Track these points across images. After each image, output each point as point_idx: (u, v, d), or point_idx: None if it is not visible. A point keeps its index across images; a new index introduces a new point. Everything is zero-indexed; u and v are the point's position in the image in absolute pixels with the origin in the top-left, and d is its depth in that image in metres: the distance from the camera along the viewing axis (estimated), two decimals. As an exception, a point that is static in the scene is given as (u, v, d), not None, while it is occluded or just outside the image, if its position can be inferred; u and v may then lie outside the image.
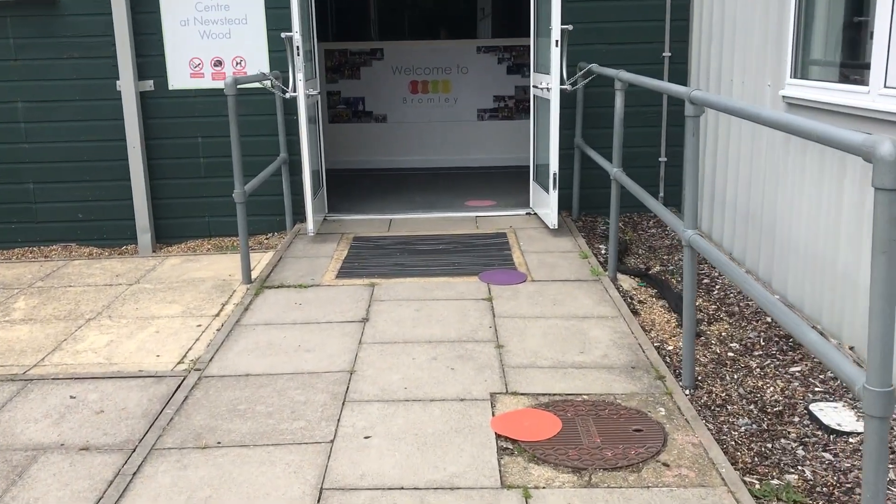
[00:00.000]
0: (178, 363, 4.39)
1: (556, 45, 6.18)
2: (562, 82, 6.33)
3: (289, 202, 7.11)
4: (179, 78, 7.00)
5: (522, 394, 3.90)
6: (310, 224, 6.45)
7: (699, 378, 4.13)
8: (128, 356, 4.50)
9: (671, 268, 5.89)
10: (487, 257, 6.01)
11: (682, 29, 7.00)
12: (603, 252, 6.28)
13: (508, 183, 8.52)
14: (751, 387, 4.07)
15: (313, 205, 6.53)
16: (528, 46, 9.50)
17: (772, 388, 4.04)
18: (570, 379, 4.05)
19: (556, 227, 6.49)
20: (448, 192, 8.18)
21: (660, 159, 7.24)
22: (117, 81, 6.82)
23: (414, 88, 9.62)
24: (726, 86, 6.13)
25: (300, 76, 6.20)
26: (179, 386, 4.09)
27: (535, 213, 7.16)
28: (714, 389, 4.05)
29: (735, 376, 4.19)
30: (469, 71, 9.58)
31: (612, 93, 7.14)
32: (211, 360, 4.37)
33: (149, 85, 6.96)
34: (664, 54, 7.03)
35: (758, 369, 4.25)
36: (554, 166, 6.39)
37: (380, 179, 8.96)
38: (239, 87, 6.71)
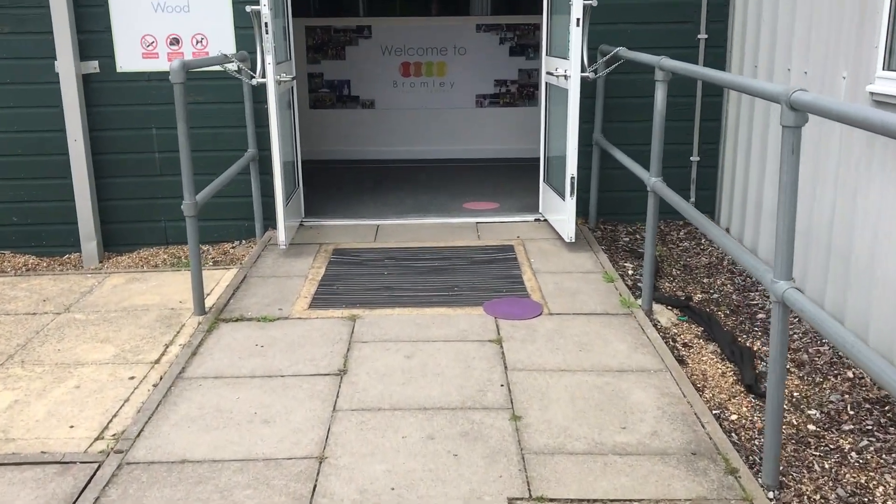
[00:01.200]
0: (97, 439, 3.31)
1: (578, 25, 5.08)
2: (583, 69, 5.23)
3: (259, 206, 6.01)
4: (129, 59, 5.86)
5: (551, 500, 2.85)
6: (281, 236, 5.36)
7: (780, 469, 3.09)
8: (32, 427, 3.42)
9: (715, 295, 4.84)
10: (492, 279, 4.94)
11: (721, 6, 5.90)
12: (630, 273, 5.22)
13: (512, 180, 7.44)
14: (851, 483, 3.03)
15: (286, 211, 5.43)
16: (533, 25, 8.38)
17: (881, 488, 3.00)
18: (614, 473, 3.00)
19: (573, 241, 5.42)
20: (444, 190, 7.10)
21: (691, 159, 6.16)
22: (55, 62, 5.69)
23: (405, 71, 8.50)
24: (780, 76, 5.05)
25: (269, 59, 5.08)
26: (91, 479, 3.01)
27: (546, 220, 6.09)
28: (804, 489, 3.01)
29: (826, 465, 3.15)
30: (467, 52, 8.45)
31: (637, 81, 6.08)
32: (139, 434, 3.30)
33: (93, 66, 5.82)
34: (699, 36, 5.94)
35: (854, 453, 3.22)
36: (572, 168, 5.31)
37: (366, 173, 7.86)
38: (195, 70, 5.60)
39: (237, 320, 4.40)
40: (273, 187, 5.42)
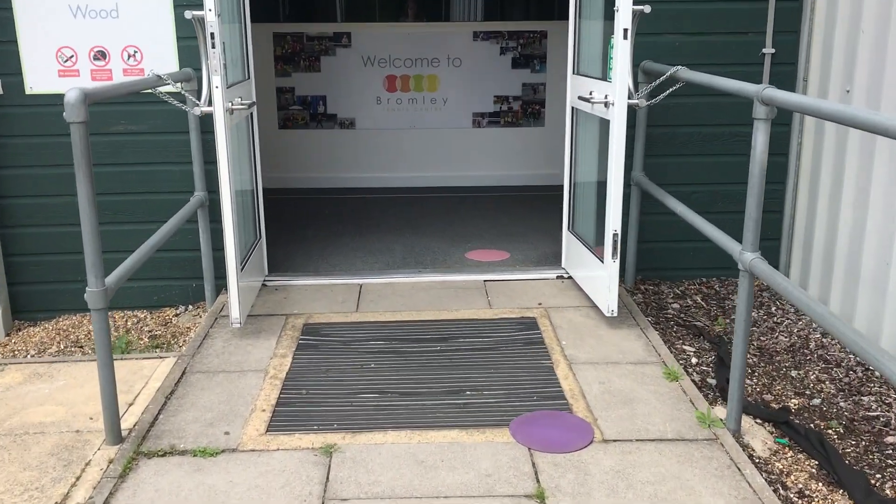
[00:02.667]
0: None
1: (626, 38, 3.81)
2: (630, 95, 3.96)
3: (209, 262, 4.68)
4: (42, 77, 4.52)
5: None
6: (234, 311, 4.04)
7: None
8: None
9: (815, 400, 3.58)
10: (516, 374, 3.66)
11: (792, 13, 4.65)
12: (694, 361, 3.95)
13: (521, 217, 6.16)
14: None
15: (242, 275, 4.13)
16: (540, 33, 7.10)
17: None
18: None
19: (615, 314, 4.15)
20: (440, 232, 5.80)
21: (751, 202, 4.91)
22: (-57, 81, 4.35)
23: (391, 85, 7.19)
24: (890, 103, 3.82)
25: (216, 81, 3.76)
26: None
27: (571, 278, 4.82)
28: None
29: None
30: (463, 63, 7.17)
31: (686, 106, 4.77)
32: None
33: (-7, 87, 4.49)
34: (764, 51, 4.68)
35: None
36: (615, 223, 4.04)
37: (346, 206, 6.54)
38: (113, 97, 4.26)
39: (165, 454, 3.07)
40: (224, 246, 4.10)
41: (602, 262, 4.17)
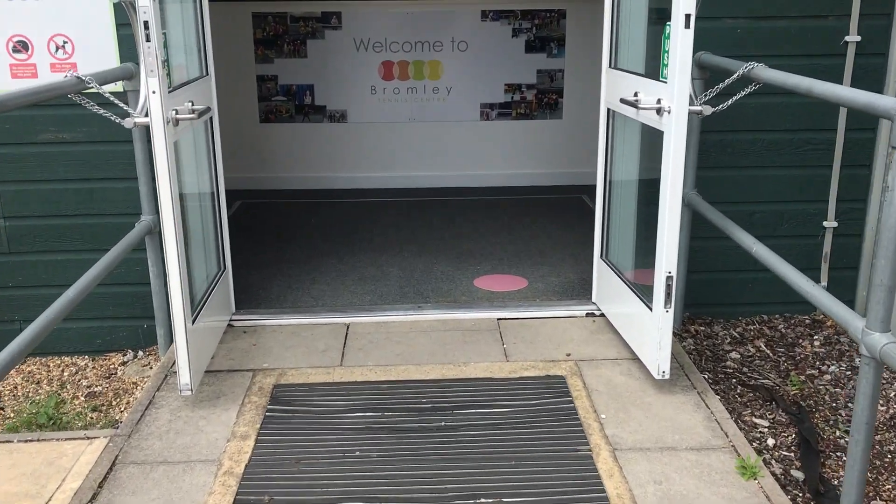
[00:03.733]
0: None
1: (687, 26, 2.89)
2: (692, 101, 3.05)
3: (161, 300, 3.79)
4: (-51, 72, 3.62)
5: None
6: (184, 377, 3.16)
7: None
8: None
9: (942, 511, 2.72)
10: (545, 473, 2.79)
11: (883, -9, 3.73)
12: (770, 442, 3.09)
13: (538, 227, 5.26)
14: None
15: (192, 333, 3.25)
16: (558, 13, 6.17)
17: None
18: None
19: (667, 376, 3.27)
20: (444, 249, 4.91)
21: (825, 224, 4.01)
22: None
23: (387, 72, 6.27)
24: None
25: (153, 84, 2.86)
26: None
27: (604, 316, 3.94)
28: None
29: None
30: (469, 47, 6.24)
31: (746, 107, 3.85)
32: None
33: None
34: (847, 39, 3.77)
35: None
36: (669, 262, 3.14)
37: (333, 214, 5.65)
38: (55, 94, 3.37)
39: None
40: (169, 293, 3.22)
41: (650, 308, 3.28)
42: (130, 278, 3.86)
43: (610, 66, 3.71)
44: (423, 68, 6.26)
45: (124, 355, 3.94)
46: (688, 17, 2.88)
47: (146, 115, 2.94)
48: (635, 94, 3.30)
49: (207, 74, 3.64)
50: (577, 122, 6.36)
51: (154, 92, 2.86)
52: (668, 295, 3.15)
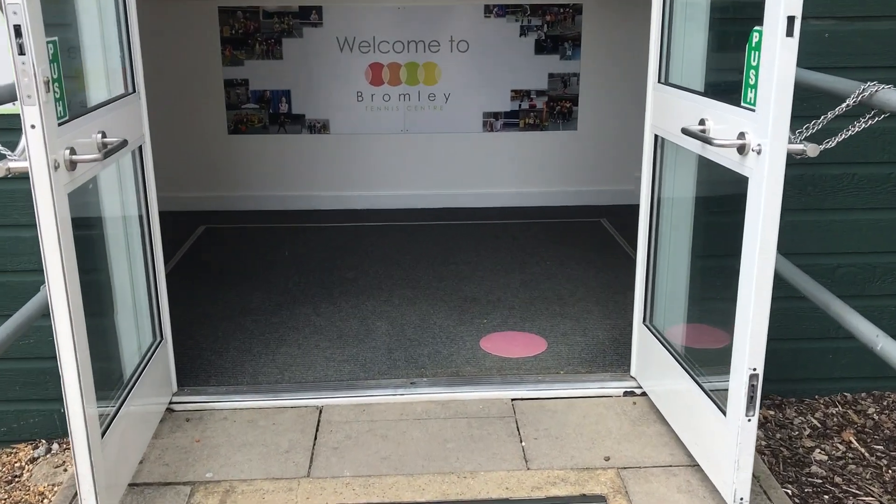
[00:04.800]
0: None
1: (790, 33, 2.03)
2: (791, 138, 2.19)
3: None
4: None
5: None
6: (89, 500, 2.31)
7: None
8: None
9: None
10: None
11: None
12: None
13: (554, 263, 4.40)
14: None
15: (105, 448, 2.40)
16: (573, 8, 5.30)
17: None
18: None
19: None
20: (443, 295, 4.05)
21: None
22: None
23: (376, 76, 5.40)
24: None
25: (32, 115, 1.98)
26: None
27: (646, 394, 3.08)
28: None
29: None
30: (470, 47, 5.36)
31: (832, 134, 2.96)
32: None
33: None
34: (968, 43, 2.91)
35: None
36: (755, 355, 2.28)
37: (311, 248, 4.77)
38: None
39: None
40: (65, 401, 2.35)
41: (721, 410, 2.43)
42: (42, 351, 2.99)
43: (659, 81, 2.84)
44: (417, 72, 5.38)
45: (35, 448, 3.07)
46: (791, 20, 2.02)
47: (20, 158, 2.07)
48: (702, 123, 2.44)
49: (134, 92, 2.76)
50: (593, 134, 5.50)
51: (34, 126, 1.99)
52: (750, 399, 2.30)
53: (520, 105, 5.47)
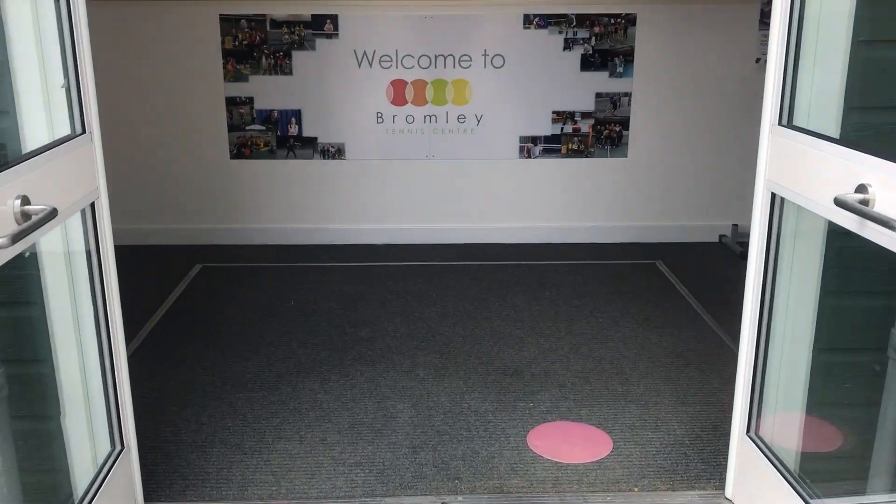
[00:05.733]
0: None
1: None
2: None
3: (14, 508, 2.24)
4: None
5: None
6: None
7: None
8: None
9: None
10: None
11: None
12: None
13: (608, 319, 3.68)
14: None
15: None
16: (626, 19, 4.58)
17: None
18: None
19: None
20: (477, 371, 3.34)
21: None
22: None
23: (399, 95, 4.71)
24: None
25: None
26: None
27: (746, 525, 2.36)
28: None
29: None
30: (507, 62, 4.66)
31: None
32: None
33: None
34: None
35: None
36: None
37: (320, 297, 4.08)
38: None
39: None
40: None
41: None
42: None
43: (780, 123, 2.12)
44: (445, 90, 4.69)
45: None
46: None
47: None
48: (861, 190, 1.72)
49: (84, 133, 2.07)
50: (646, 162, 4.79)
51: None
52: None
53: (562, 129, 4.76)
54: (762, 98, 2.13)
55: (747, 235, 2.28)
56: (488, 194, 4.84)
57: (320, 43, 4.59)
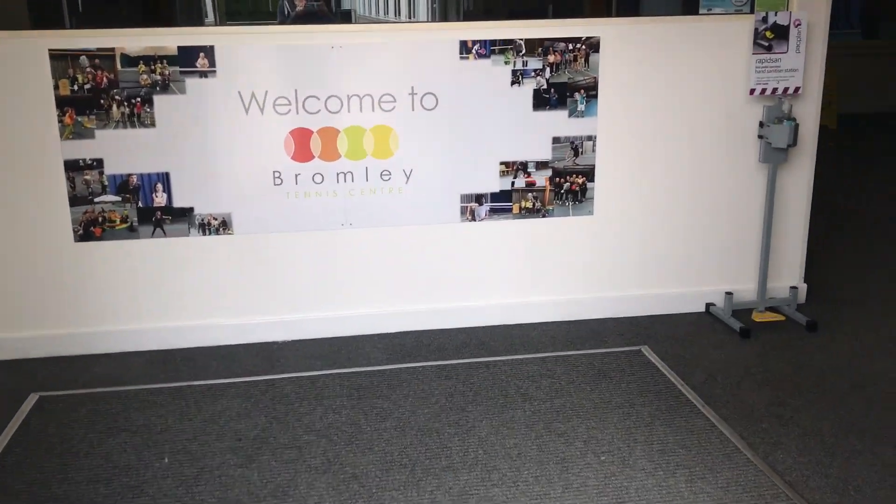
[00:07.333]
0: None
1: None
2: None
3: None
4: None
5: None
6: None
7: None
8: None
9: None
10: None
11: None
12: None
13: (619, 461, 2.63)
14: None
15: None
16: (587, 44, 3.57)
17: None
18: None
19: None
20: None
21: None
22: None
23: (302, 148, 3.56)
24: None
25: None
26: None
27: None
28: None
29: None
30: (440, 102, 3.59)
31: None
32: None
33: None
34: None
35: None
36: None
37: (202, 437, 2.89)
38: None
39: None
40: None
41: None
42: None
43: None
44: (363, 139, 3.58)
45: None
46: None
47: None
48: None
49: None
50: (617, 220, 3.82)
51: None
52: None
53: (513, 183, 3.73)
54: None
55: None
56: (424, 269, 3.75)
57: (192, 83, 3.40)
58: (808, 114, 3.78)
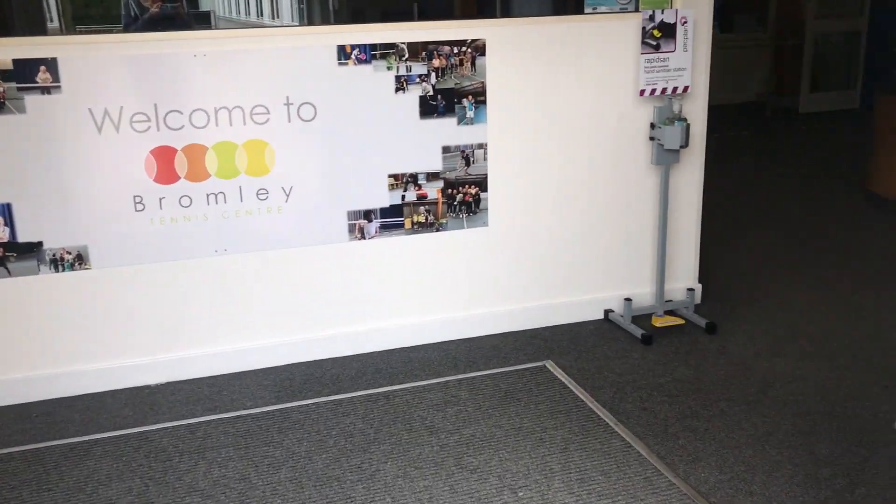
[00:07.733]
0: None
1: None
2: None
3: None
4: None
5: None
6: None
7: None
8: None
9: None
10: None
11: None
12: None
13: (540, 497, 2.46)
14: None
15: None
16: (474, 47, 3.38)
17: None
18: None
19: None
20: None
21: None
22: None
23: (165, 168, 3.18)
24: None
25: None
26: None
27: None
28: None
29: None
30: (319, 113, 3.29)
31: None
32: None
33: None
34: None
35: None
36: None
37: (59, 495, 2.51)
38: None
39: None
40: None
41: None
42: None
43: None
44: (234, 156, 3.23)
45: None
46: None
47: None
48: None
49: None
50: (512, 230, 3.63)
51: None
52: None
53: (403, 196, 3.48)
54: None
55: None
56: (311, 294, 3.45)
57: (32, 101, 2.97)
58: (697, 112, 3.72)
